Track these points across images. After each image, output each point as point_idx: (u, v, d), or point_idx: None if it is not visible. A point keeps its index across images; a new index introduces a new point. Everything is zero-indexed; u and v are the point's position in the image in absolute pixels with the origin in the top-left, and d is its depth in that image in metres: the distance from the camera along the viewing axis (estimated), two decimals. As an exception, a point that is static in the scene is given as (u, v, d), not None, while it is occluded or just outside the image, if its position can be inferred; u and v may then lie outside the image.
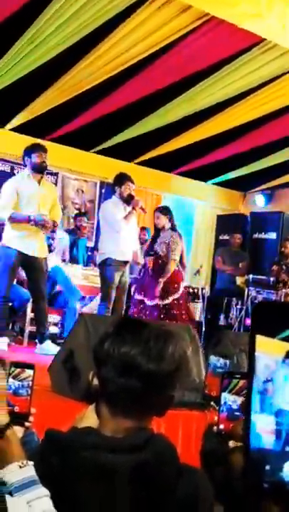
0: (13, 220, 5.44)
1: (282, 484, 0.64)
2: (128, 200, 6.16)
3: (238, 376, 1.39)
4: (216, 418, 1.38)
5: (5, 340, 5.49)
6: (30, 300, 6.18)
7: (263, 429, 0.64)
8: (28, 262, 5.54)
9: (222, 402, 1.39)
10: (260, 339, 0.64)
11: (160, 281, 6.45)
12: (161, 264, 6.56)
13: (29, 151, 5.53)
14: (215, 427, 1.38)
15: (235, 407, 1.38)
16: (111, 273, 6.07)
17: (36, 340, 5.78)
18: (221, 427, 1.37)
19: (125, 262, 6.21)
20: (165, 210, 6.85)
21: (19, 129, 8.23)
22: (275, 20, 5.35)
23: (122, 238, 6.09)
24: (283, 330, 0.64)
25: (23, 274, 5.98)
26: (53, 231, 5.82)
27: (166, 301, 6.48)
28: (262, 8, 5.19)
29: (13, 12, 5.60)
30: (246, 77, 6.85)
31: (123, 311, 6.41)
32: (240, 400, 1.38)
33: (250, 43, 6.17)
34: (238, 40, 6.05)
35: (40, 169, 5.53)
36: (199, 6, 5.31)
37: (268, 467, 0.64)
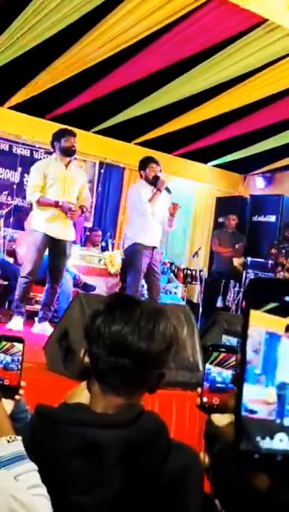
0: (41, 203, 5.53)
1: (272, 455, 0.66)
2: (154, 182, 6.04)
3: (222, 350, 1.39)
4: (198, 390, 1.39)
5: (20, 320, 5.52)
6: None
7: (254, 399, 0.66)
8: (54, 245, 5.60)
9: (205, 374, 1.39)
10: (253, 313, 0.65)
11: None
12: None
13: (58, 135, 5.64)
14: (198, 399, 1.38)
15: (219, 379, 1.38)
16: (138, 258, 5.93)
17: (35, 319, 5.78)
18: (205, 399, 1.38)
19: (153, 248, 6.07)
20: None
21: (18, 108, 8.18)
22: (279, 0, 5.30)
23: (149, 222, 5.98)
24: (268, 303, 0.65)
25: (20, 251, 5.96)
26: (82, 216, 5.98)
27: None
28: (265, -13, 5.14)
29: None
30: (248, 58, 6.79)
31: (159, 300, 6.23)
32: (225, 372, 1.38)
33: (253, 23, 6.10)
34: (241, 20, 6.00)
35: (69, 153, 5.62)
36: (201, -15, 5.26)
37: (258, 438, 0.65)
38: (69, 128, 5.92)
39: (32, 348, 3.80)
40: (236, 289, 8.52)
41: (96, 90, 7.56)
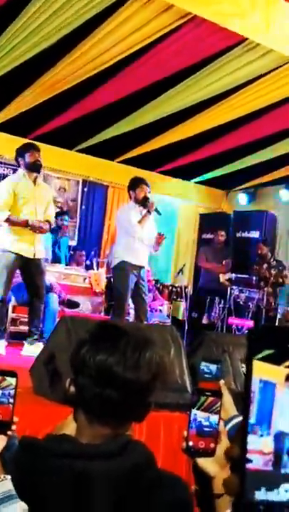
0: (11, 222, 5.44)
1: (278, 506, 0.64)
2: (144, 202, 6.06)
3: (208, 393, 1.38)
4: (185, 433, 1.36)
5: (2, 342, 5.47)
6: (12, 300, 6.12)
7: (250, 449, 0.64)
8: (27, 264, 5.52)
9: (192, 419, 1.37)
10: (256, 363, 0.64)
11: None
12: None
13: (22, 150, 5.55)
14: (184, 444, 1.36)
15: (206, 423, 1.37)
16: (126, 276, 5.93)
17: (24, 342, 5.65)
18: (190, 443, 1.36)
19: (140, 267, 6.06)
20: None
21: (0, 128, 8.17)
22: (258, 19, 5.34)
23: (137, 243, 5.99)
24: (262, 350, 0.63)
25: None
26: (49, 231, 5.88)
27: None
28: (245, 7, 5.17)
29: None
30: (229, 76, 6.83)
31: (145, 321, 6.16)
32: (212, 416, 1.37)
33: (233, 42, 6.15)
34: (221, 39, 6.03)
35: (34, 168, 5.54)
36: (181, 5, 5.28)
37: (263, 489, 0.63)
38: (32, 142, 5.85)
39: (22, 371, 3.74)
40: (221, 305, 8.52)
41: (78, 109, 7.58)
